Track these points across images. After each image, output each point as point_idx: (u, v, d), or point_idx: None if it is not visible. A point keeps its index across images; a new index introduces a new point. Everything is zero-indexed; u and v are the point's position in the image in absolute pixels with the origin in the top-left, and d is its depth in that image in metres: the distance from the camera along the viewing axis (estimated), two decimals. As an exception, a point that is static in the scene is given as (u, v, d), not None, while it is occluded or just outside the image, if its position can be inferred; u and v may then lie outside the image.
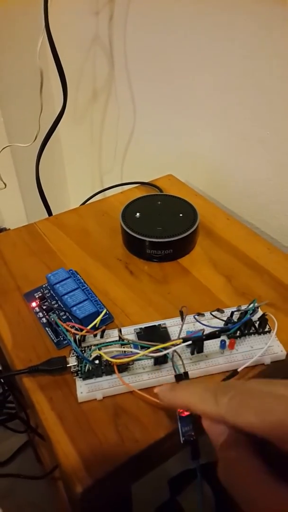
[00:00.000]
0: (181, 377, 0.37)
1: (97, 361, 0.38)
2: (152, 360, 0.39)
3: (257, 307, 0.42)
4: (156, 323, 0.43)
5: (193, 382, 0.37)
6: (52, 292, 0.48)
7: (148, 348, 0.38)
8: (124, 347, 0.39)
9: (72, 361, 0.39)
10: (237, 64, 0.56)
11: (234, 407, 0.25)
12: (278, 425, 0.22)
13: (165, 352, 0.37)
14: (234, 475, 0.23)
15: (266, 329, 0.42)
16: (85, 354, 0.39)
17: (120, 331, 0.40)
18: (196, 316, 0.43)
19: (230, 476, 0.23)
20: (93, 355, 0.38)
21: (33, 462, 0.89)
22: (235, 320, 0.42)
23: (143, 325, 0.43)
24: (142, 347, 0.38)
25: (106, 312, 0.44)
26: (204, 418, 0.27)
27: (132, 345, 0.40)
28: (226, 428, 0.25)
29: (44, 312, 0.46)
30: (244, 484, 0.22)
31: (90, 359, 0.38)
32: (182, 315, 0.42)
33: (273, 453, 0.23)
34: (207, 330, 0.39)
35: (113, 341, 0.40)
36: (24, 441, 0.93)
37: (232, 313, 0.42)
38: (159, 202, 0.58)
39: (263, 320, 0.41)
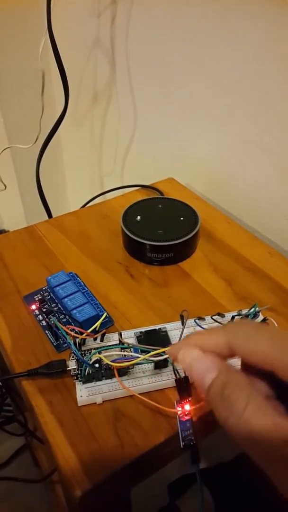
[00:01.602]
0: (182, 382, 0.37)
1: (97, 365, 0.38)
2: (153, 364, 0.38)
3: (258, 312, 0.42)
4: (156, 327, 0.43)
5: None
6: (52, 295, 0.48)
7: (149, 352, 0.38)
8: (124, 351, 0.39)
9: (72, 365, 0.39)
10: (238, 68, 0.56)
11: (243, 333, 0.24)
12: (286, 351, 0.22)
13: (165, 356, 0.37)
14: (233, 412, 0.21)
15: (267, 334, 0.42)
16: (85, 358, 0.38)
17: (120, 334, 0.40)
18: (197, 320, 0.43)
19: (227, 413, 0.22)
20: (93, 358, 0.38)
21: (30, 466, 0.88)
22: (236, 324, 0.41)
23: (143, 329, 0.43)
24: (143, 351, 0.38)
25: (106, 315, 0.44)
26: (190, 351, 0.25)
27: (132, 349, 0.39)
28: (217, 363, 0.24)
29: (44, 315, 0.46)
30: (245, 416, 0.21)
31: (90, 362, 0.38)
32: (182, 319, 0.42)
33: (277, 388, 0.23)
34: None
35: (113, 345, 0.40)
36: (21, 444, 0.92)
37: (233, 317, 0.42)
38: (160, 206, 0.58)
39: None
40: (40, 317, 0.46)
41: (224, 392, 0.22)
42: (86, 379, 0.38)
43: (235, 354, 0.24)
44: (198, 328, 0.41)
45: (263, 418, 0.20)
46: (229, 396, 0.22)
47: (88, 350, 0.40)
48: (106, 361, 0.37)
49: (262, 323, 0.40)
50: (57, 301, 0.47)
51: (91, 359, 0.38)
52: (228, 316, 0.43)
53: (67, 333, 0.40)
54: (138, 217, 0.55)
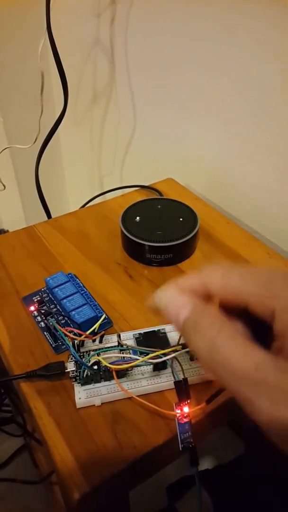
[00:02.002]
0: (181, 384, 0.36)
1: (95, 367, 0.38)
2: (151, 366, 0.38)
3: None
4: (155, 328, 0.43)
5: None
6: (50, 296, 0.48)
7: (147, 354, 0.37)
8: (123, 353, 0.39)
9: (70, 366, 0.39)
10: (238, 68, 0.56)
11: (217, 270, 0.25)
12: (264, 281, 0.23)
13: (164, 358, 0.37)
14: (205, 340, 0.22)
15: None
16: (83, 360, 0.38)
17: (119, 336, 0.40)
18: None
19: (200, 343, 0.22)
20: (92, 360, 0.38)
21: (29, 466, 0.88)
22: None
23: (142, 331, 0.42)
24: (141, 353, 0.38)
25: (105, 317, 0.44)
26: (166, 291, 0.26)
27: (131, 351, 0.39)
28: (192, 300, 0.24)
29: (43, 316, 0.45)
30: (216, 344, 0.21)
31: (89, 364, 0.37)
32: (181, 321, 0.42)
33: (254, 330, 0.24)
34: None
35: (112, 347, 0.40)
36: (20, 445, 0.92)
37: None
38: (159, 206, 0.58)
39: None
40: (39, 318, 0.45)
41: (196, 323, 0.23)
42: (85, 381, 0.38)
43: (210, 293, 0.25)
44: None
45: (234, 346, 0.21)
46: (202, 327, 0.23)
47: (86, 351, 0.40)
48: (104, 363, 0.37)
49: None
50: (55, 302, 0.47)
51: (89, 361, 0.38)
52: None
53: (65, 335, 0.40)
54: (137, 218, 0.55)
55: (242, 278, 0.24)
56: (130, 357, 0.38)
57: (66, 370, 0.39)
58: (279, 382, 0.19)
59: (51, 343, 0.43)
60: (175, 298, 0.25)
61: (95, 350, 0.39)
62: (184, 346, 0.37)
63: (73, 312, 0.43)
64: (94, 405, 0.37)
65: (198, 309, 0.24)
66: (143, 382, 0.38)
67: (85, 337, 0.40)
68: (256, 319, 0.23)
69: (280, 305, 0.22)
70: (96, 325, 0.41)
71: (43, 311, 0.46)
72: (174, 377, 0.37)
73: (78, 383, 0.38)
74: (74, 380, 0.38)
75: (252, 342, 0.21)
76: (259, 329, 0.23)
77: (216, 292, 0.25)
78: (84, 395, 0.37)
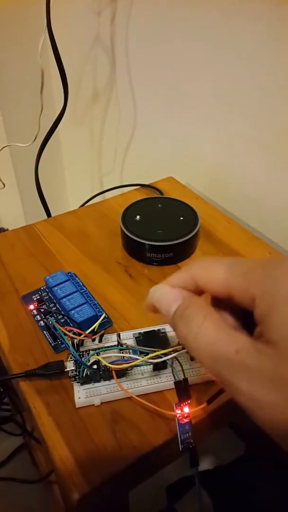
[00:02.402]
0: (181, 384, 0.36)
1: (95, 366, 0.37)
2: (151, 366, 0.38)
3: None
4: (155, 328, 0.42)
5: None
6: (50, 295, 0.48)
7: (147, 353, 0.37)
8: (123, 352, 0.39)
9: (70, 366, 0.39)
10: (238, 68, 0.56)
11: (203, 264, 0.26)
12: (244, 271, 0.24)
13: (165, 358, 0.36)
14: (191, 327, 0.23)
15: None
16: (83, 359, 0.38)
17: (119, 336, 0.40)
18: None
19: (186, 330, 0.24)
20: (91, 360, 0.37)
21: (28, 465, 0.88)
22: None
23: (142, 330, 0.42)
24: (141, 353, 0.38)
25: (105, 316, 0.44)
26: (159, 287, 0.28)
27: (131, 351, 0.39)
28: (182, 294, 0.26)
29: (42, 315, 0.45)
30: (201, 332, 0.23)
31: (88, 364, 0.37)
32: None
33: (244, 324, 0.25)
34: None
35: (111, 346, 0.39)
36: (19, 444, 0.92)
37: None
38: (159, 205, 0.57)
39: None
40: (38, 317, 0.45)
41: (183, 312, 0.25)
42: (84, 381, 0.38)
43: (198, 286, 0.26)
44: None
45: (217, 332, 0.22)
46: (188, 315, 0.24)
47: (86, 351, 0.40)
48: (104, 362, 0.37)
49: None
50: (55, 301, 0.47)
51: (89, 360, 0.38)
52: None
53: (65, 334, 0.39)
54: (138, 217, 0.55)
55: (225, 270, 0.25)
56: (130, 357, 0.38)
57: (65, 370, 0.38)
58: (257, 363, 0.20)
59: (51, 342, 0.43)
60: (166, 292, 0.27)
61: (95, 349, 0.39)
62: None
63: (73, 311, 0.43)
64: (93, 404, 0.37)
65: (186, 300, 0.25)
66: (143, 382, 0.38)
67: (84, 337, 0.40)
68: (242, 309, 0.24)
69: (258, 292, 0.22)
70: (96, 325, 0.41)
71: (42, 310, 0.45)
72: (175, 377, 0.37)
73: (78, 382, 0.38)
74: (73, 379, 0.38)
75: (235, 330, 0.23)
76: (246, 319, 0.24)
77: (203, 286, 0.26)
78: (83, 395, 0.37)
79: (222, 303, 0.26)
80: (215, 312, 0.25)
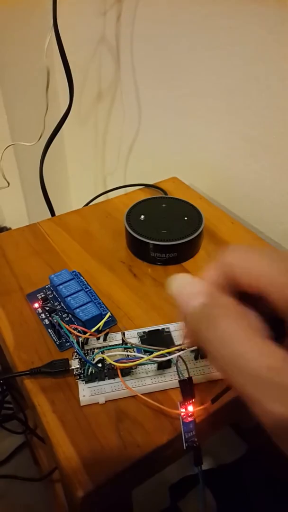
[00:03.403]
0: (185, 383, 0.36)
1: (100, 365, 0.38)
2: (156, 364, 0.38)
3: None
4: (159, 327, 0.43)
5: None
6: (55, 294, 0.48)
7: (152, 352, 0.37)
8: (127, 351, 0.39)
9: (74, 364, 0.39)
10: (243, 68, 0.56)
11: (243, 250, 0.23)
12: (285, 270, 0.21)
13: (169, 357, 0.37)
14: (217, 332, 0.21)
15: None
16: (88, 357, 0.38)
17: (123, 334, 0.40)
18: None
19: (211, 334, 0.21)
20: (96, 358, 0.38)
21: (30, 464, 0.88)
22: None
23: (146, 329, 0.42)
24: (146, 351, 0.38)
25: (109, 315, 0.44)
26: (182, 276, 0.24)
27: (135, 349, 0.39)
28: (208, 289, 0.23)
29: (47, 313, 0.45)
30: (229, 339, 0.20)
31: (93, 362, 0.37)
32: (186, 320, 0.41)
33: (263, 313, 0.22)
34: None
35: (116, 345, 0.40)
36: (21, 442, 0.92)
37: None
38: (163, 205, 0.58)
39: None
40: (43, 315, 0.45)
41: (210, 312, 0.21)
42: (89, 379, 0.38)
43: (233, 277, 0.23)
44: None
45: (247, 342, 0.20)
46: (215, 316, 0.21)
47: (91, 349, 0.40)
48: (109, 361, 0.37)
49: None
50: (60, 300, 0.47)
51: (94, 359, 0.38)
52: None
53: (70, 332, 0.40)
54: (142, 217, 0.55)
55: (268, 264, 0.22)
56: (134, 356, 0.38)
57: (70, 368, 0.39)
58: None
59: (55, 340, 0.43)
60: (188, 283, 0.23)
61: (100, 348, 0.39)
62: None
63: (78, 310, 0.43)
64: (98, 403, 0.37)
65: (213, 298, 0.22)
66: (147, 380, 0.38)
67: (89, 335, 0.40)
68: (271, 309, 0.21)
69: None
70: (101, 323, 0.41)
71: (47, 308, 0.46)
72: (179, 376, 0.37)
73: (82, 380, 0.38)
74: (78, 377, 0.38)
75: (268, 340, 0.20)
76: (274, 320, 0.21)
77: (238, 276, 0.23)
78: (88, 393, 0.37)
79: (246, 296, 0.22)
80: (246, 316, 0.21)
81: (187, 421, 0.35)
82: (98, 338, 0.41)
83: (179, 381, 0.36)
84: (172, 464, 0.40)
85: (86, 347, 0.40)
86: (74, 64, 0.70)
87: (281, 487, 0.50)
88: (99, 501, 0.34)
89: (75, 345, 0.38)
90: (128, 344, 0.39)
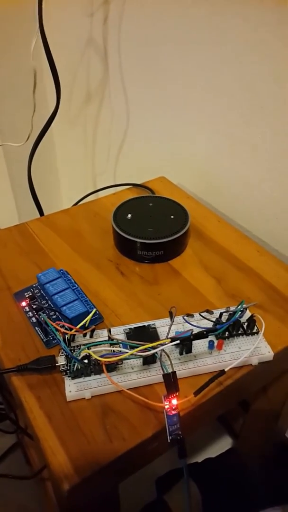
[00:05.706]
0: (169, 377, 0.37)
1: (86, 360, 0.38)
2: (141, 360, 0.39)
3: (245, 308, 0.43)
4: (145, 323, 0.43)
5: None
6: (42, 292, 0.48)
7: (137, 347, 0.38)
8: (113, 347, 0.39)
9: (61, 360, 0.39)
10: (229, 69, 0.57)
11: None
12: None
13: (153, 351, 0.37)
14: None
15: (254, 330, 0.42)
16: (74, 353, 0.39)
17: (109, 331, 0.41)
18: (185, 317, 0.43)
19: None
20: (82, 354, 0.38)
21: (21, 463, 0.88)
22: (224, 321, 0.42)
23: (132, 326, 0.43)
24: (131, 347, 0.39)
25: (95, 312, 0.45)
26: None
27: (121, 345, 0.40)
28: None
29: (34, 311, 0.46)
30: None
31: (79, 358, 0.38)
32: (171, 316, 0.42)
33: None
34: (196, 331, 0.39)
35: (102, 341, 0.40)
36: (13, 442, 0.92)
37: (221, 314, 0.43)
38: (150, 204, 0.58)
39: (251, 321, 0.42)
40: (30, 313, 0.46)
41: None
42: (75, 375, 0.38)
43: None
44: (187, 325, 0.42)
45: None
46: None
47: (77, 346, 0.40)
48: (94, 356, 0.37)
49: None
50: (47, 298, 0.47)
51: (80, 355, 0.38)
52: (217, 312, 0.43)
53: (56, 329, 0.40)
54: (129, 215, 0.56)
55: None
56: (120, 351, 0.38)
57: (56, 364, 0.39)
58: None
59: (42, 338, 0.43)
60: None
61: (86, 344, 0.40)
62: (172, 339, 0.38)
63: (64, 308, 0.43)
64: (84, 398, 0.38)
65: None
66: (133, 375, 0.39)
67: (75, 331, 0.40)
68: None
69: None
70: (87, 319, 0.41)
71: (34, 307, 0.46)
72: (163, 370, 0.38)
73: (69, 376, 0.39)
74: (64, 373, 0.39)
75: None
76: None
77: None
78: (74, 388, 0.38)
79: None
80: None
81: (171, 414, 0.35)
82: (84, 335, 0.42)
83: (163, 375, 0.37)
84: (159, 458, 0.40)
85: (72, 344, 0.41)
86: (61, 65, 0.70)
87: (267, 480, 0.51)
88: (85, 494, 0.35)
89: (61, 342, 0.39)
90: (114, 340, 0.40)
